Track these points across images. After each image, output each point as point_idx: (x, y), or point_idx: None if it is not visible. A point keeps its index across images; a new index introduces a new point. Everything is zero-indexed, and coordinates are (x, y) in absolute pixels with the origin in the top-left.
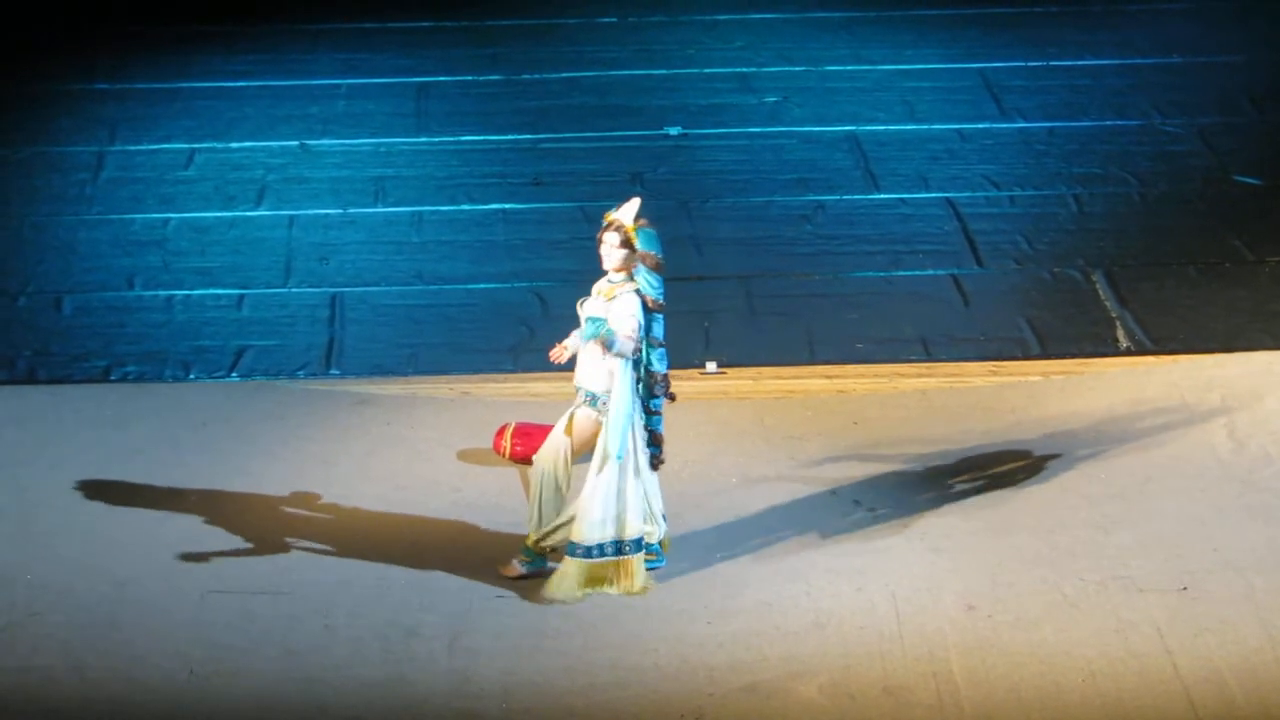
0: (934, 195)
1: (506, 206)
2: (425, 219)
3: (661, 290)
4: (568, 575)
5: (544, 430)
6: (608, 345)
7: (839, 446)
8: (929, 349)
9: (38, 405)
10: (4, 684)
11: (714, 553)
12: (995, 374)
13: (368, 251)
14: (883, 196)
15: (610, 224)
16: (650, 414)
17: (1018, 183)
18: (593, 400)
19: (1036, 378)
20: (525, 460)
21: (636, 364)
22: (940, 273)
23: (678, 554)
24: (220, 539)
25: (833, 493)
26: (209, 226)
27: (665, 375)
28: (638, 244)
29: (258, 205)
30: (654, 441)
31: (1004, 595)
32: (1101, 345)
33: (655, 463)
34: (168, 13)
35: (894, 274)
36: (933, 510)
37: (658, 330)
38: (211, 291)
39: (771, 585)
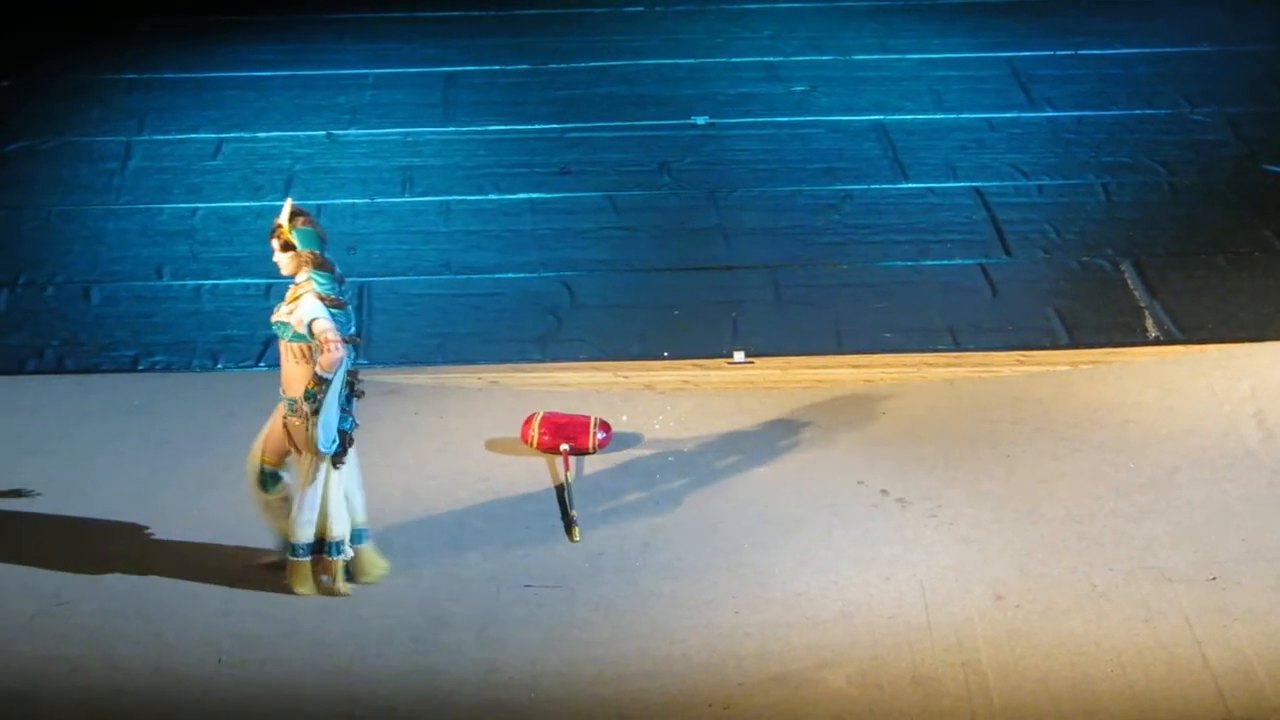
0: (962, 185)
1: (534, 196)
2: (453, 209)
3: (331, 286)
4: (294, 573)
5: (572, 420)
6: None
7: (867, 436)
8: (957, 338)
9: (66, 395)
10: (34, 672)
11: (741, 543)
12: (1023, 364)
13: (395, 241)
14: (911, 186)
15: (274, 229)
16: (343, 413)
17: (1046, 172)
18: (295, 405)
19: (1065, 367)
20: (553, 450)
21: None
22: (968, 262)
23: (706, 544)
24: (249, 528)
25: (860, 482)
26: (237, 216)
27: (354, 371)
28: (297, 244)
29: (285, 195)
30: (342, 441)
31: (1033, 585)
32: (1130, 335)
33: (337, 461)
34: (196, 3)
35: (922, 263)
36: (961, 500)
37: (343, 327)
38: (239, 281)
39: (799, 575)
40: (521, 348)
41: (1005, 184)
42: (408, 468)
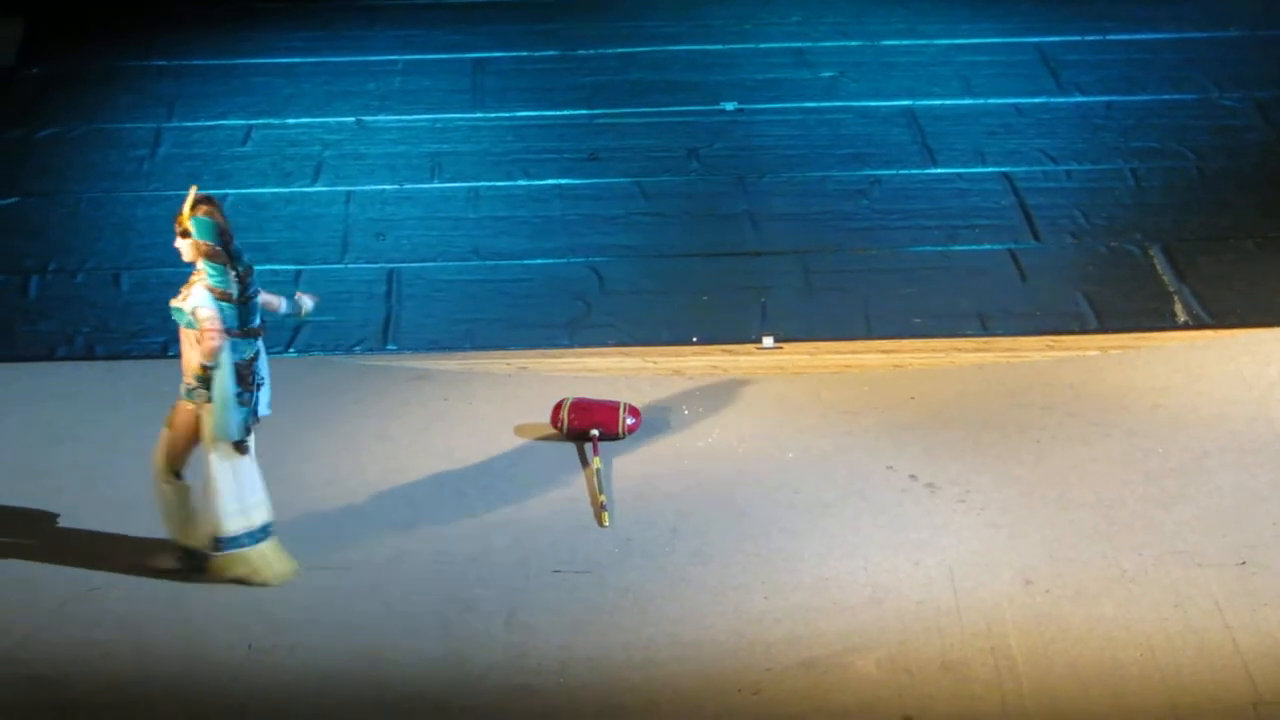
0: (991, 170)
1: (563, 182)
2: (482, 194)
3: (222, 279)
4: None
5: (600, 405)
6: (214, 363)
7: (896, 421)
8: (986, 324)
9: (96, 381)
10: (64, 658)
11: (770, 528)
12: (1052, 349)
13: (424, 227)
14: (939, 171)
15: (177, 223)
16: (240, 404)
17: (1075, 157)
18: (189, 392)
19: (1094, 352)
20: (582, 435)
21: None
22: (997, 247)
23: (735, 530)
24: (278, 514)
25: (889, 468)
26: (266, 203)
27: (246, 363)
28: (194, 233)
29: (314, 181)
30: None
31: (1062, 570)
32: (1159, 320)
33: (240, 448)
34: None
35: (951, 249)
36: (990, 485)
37: (230, 320)
38: (269, 267)
39: (828, 560)
40: (550, 333)
41: (1034, 169)
42: (437, 453)
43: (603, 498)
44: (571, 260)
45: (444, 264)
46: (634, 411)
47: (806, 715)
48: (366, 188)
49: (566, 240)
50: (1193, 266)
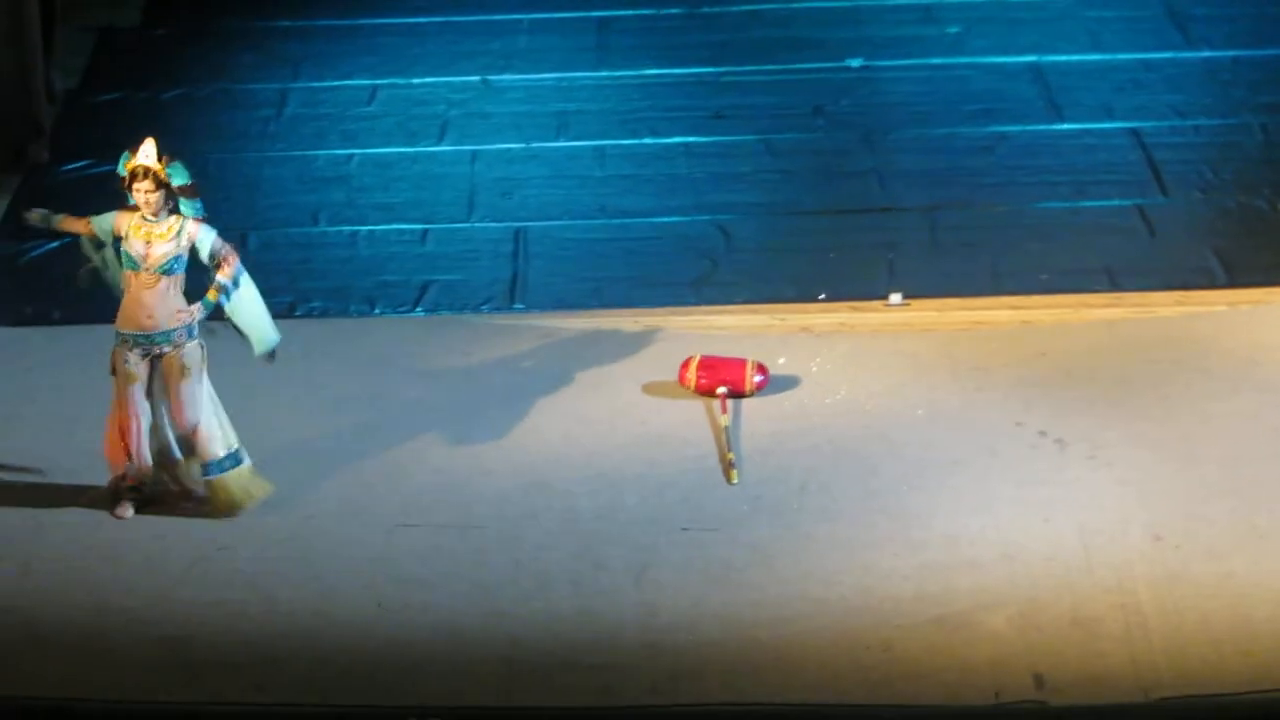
0: (1118, 125)
1: (689, 140)
2: (607, 153)
3: (201, 208)
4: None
5: (728, 363)
6: (235, 282)
7: (1025, 378)
8: (1115, 279)
9: (225, 341)
10: (196, 618)
11: (899, 485)
12: (1182, 304)
13: (550, 186)
14: (1066, 127)
15: (141, 172)
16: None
17: (1203, 112)
18: (190, 333)
19: (1223, 307)
20: (710, 392)
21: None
22: (1125, 203)
23: (864, 487)
24: (407, 473)
25: (1018, 424)
26: (392, 162)
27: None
28: (174, 180)
29: (440, 141)
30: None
31: (1193, 527)
32: None
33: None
34: None
35: (1078, 204)
36: (1120, 441)
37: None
38: (395, 227)
39: (957, 517)
40: (677, 291)
41: (1161, 124)
42: (565, 412)
43: (731, 455)
44: (698, 218)
45: (570, 222)
46: (761, 369)
47: (936, 672)
48: (492, 147)
49: (693, 198)
50: None
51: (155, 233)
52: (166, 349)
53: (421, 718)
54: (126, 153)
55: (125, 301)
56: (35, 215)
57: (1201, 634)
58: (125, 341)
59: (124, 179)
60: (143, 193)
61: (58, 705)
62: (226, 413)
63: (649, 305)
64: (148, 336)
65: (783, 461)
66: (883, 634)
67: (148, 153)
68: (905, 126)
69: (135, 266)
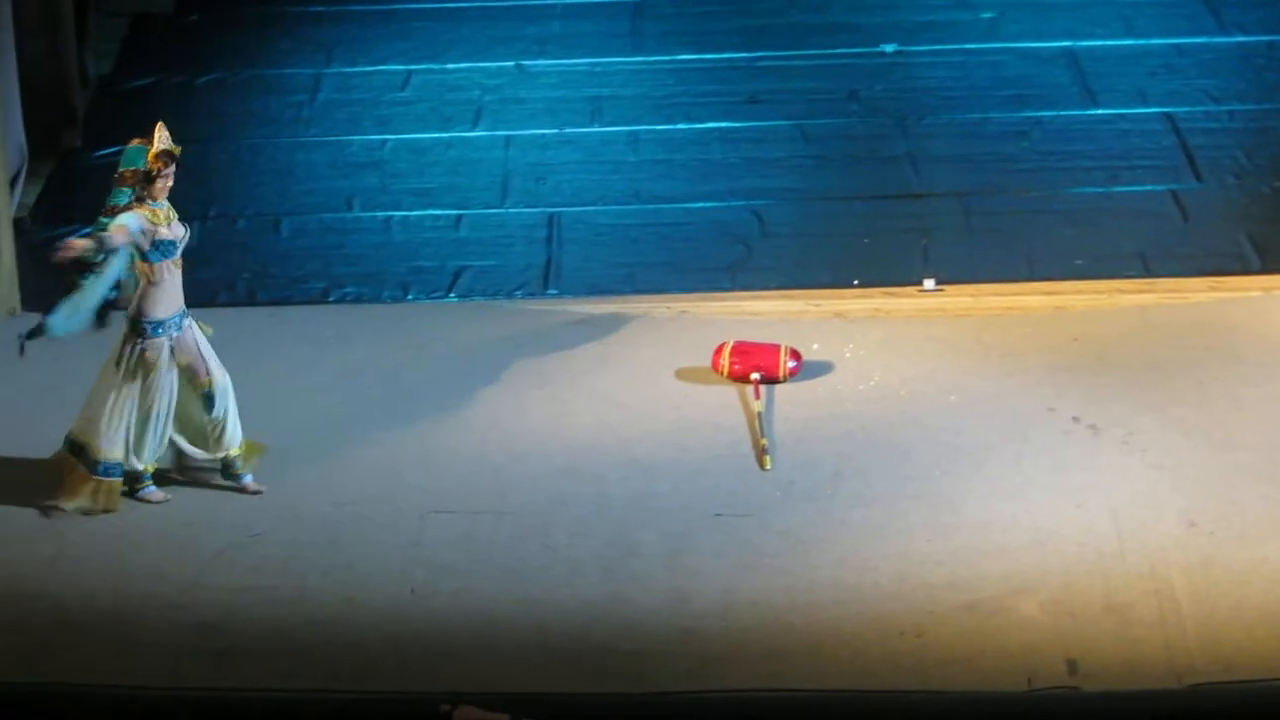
0: (1152, 110)
1: (723, 125)
2: (641, 138)
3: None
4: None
5: (762, 349)
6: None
7: (1058, 363)
8: (1148, 265)
9: (257, 326)
10: (227, 603)
11: (932, 471)
12: (1215, 289)
13: (584, 171)
14: (1100, 112)
15: (170, 156)
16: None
17: (1237, 97)
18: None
19: (1257, 293)
20: (744, 378)
21: None
22: (1159, 188)
23: (897, 472)
24: (439, 459)
25: (1051, 409)
26: (426, 148)
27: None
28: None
29: (474, 126)
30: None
31: (1226, 512)
32: None
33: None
34: None
35: (1112, 190)
36: (1153, 426)
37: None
38: (429, 212)
39: (990, 503)
40: (711, 276)
41: (1195, 109)
42: (599, 397)
43: (764, 441)
44: (732, 203)
45: (604, 208)
46: (795, 354)
47: (970, 658)
48: (526, 132)
49: (727, 183)
50: None
51: (172, 216)
52: (186, 323)
53: (453, 704)
54: (137, 145)
55: (155, 293)
56: (82, 246)
57: (1235, 620)
58: (156, 332)
59: (145, 170)
60: (167, 177)
61: (89, 690)
62: (259, 399)
63: (682, 291)
64: (182, 313)
65: (816, 447)
66: (915, 620)
67: (165, 137)
68: (939, 112)
69: (171, 253)
